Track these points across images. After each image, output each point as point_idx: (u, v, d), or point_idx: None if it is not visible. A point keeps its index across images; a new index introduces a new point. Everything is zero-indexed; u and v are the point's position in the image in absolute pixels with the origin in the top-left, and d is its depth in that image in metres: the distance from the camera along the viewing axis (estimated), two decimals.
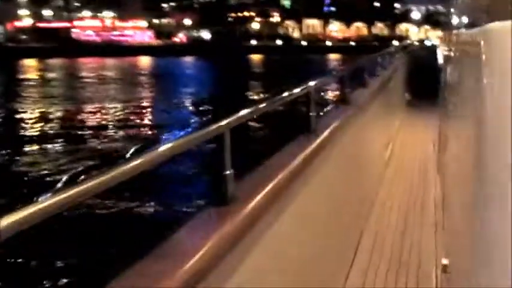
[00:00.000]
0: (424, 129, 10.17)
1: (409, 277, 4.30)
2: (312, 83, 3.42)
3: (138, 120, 24.13)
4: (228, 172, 1.92)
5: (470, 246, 1.49)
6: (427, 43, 30.46)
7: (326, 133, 3.39)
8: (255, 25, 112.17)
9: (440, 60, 9.62)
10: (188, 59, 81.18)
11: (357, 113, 4.88)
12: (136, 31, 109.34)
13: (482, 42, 1.35)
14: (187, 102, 30.27)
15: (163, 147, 1.59)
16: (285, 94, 2.96)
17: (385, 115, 8.67)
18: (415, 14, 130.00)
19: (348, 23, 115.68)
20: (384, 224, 5.42)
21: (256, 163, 2.58)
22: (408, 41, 31.46)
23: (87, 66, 66.95)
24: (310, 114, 3.36)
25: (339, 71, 5.12)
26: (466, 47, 1.75)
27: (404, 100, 13.29)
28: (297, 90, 3.15)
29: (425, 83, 13.31)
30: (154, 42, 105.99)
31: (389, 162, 7.84)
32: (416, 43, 26.74)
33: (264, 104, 2.58)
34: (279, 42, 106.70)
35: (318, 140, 3.19)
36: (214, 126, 1.89)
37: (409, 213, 5.80)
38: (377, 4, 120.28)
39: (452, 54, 3.07)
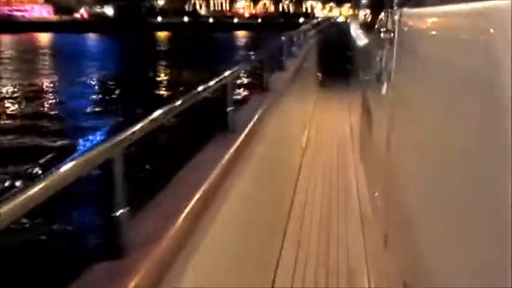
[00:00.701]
0: (339, 112, 10.00)
1: (340, 273, 4.15)
2: (228, 73, 2.77)
3: (29, 111, 20.94)
4: (120, 212, 1.41)
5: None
6: (339, 20, 31.18)
7: (246, 130, 2.90)
8: (161, 1, 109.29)
9: (357, 39, 9.29)
10: (91, 36, 77.86)
11: (277, 100, 4.54)
12: (34, 5, 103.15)
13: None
14: (89, 87, 28.15)
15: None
16: (198, 90, 2.29)
17: (302, 99, 8.36)
18: None
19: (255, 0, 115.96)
20: (307, 221, 5.19)
21: (162, 180, 2.01)
22: (320, 18, 31.39)
23: None
24: (228, 109, 2.83)
25: (258, 54, 4.46)
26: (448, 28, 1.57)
27: (318, 80, 13.04)
28: (212, 83, 2.49)
29: (338, 62, 13.29)
30: (54, 17, 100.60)
31: (307, 151, 7.52)
32: (329, 20, 26.96)
33: (166, 109, 1.84)
34: (185, 19, 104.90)
35: (239, 140, 2.68)
36: (95, 151, 1.32)
37: (332, 206, 5.59)
38: None
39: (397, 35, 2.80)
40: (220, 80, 2.64)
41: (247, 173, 2.97)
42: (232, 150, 2.49)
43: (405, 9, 2.65)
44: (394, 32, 2.96)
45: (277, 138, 4.84)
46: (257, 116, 3.30)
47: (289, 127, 6.36)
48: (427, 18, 2.02)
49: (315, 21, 15.76)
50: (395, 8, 3.05)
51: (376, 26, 4.42)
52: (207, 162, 2.26)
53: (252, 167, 3.14)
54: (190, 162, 2.26)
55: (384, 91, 3.43)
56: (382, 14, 3.75)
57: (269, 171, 4.29)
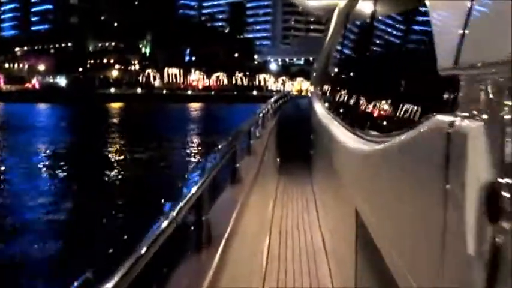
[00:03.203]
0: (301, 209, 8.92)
1: None
2: (195, 189, 2.40)
3: None
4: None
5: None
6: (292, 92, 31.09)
7: (221, 246, 2.73)
8: (115, 72, 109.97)
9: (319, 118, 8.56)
10: (42, 106, 76.97)
11: (247, 193, 4.27)
12: None
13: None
14: (35, 166, 27.05)
15: None
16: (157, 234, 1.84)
17: (264, 191, 7.14)
18: (273, 65, 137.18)
19: (208, 72, 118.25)
20: None
21: None
22: (287, 90, 31.04)
23: None
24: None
25: (229, 144, 3.98)
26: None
27: (277, 165, 11.74)
28: (176, 214, 2.05)
29: (298, 144, 12.29)
30: (4, 87, 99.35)
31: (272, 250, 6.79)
32: (295, 93, 26.18)
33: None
34: (139, 90, 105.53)
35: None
36: None
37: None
38: (236, 55, 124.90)
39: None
40: (186, 202, 2.25)
41: None
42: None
43: None
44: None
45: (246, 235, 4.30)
46: (229, 227, 3.14)
47: (253, 222, 5.35)
48: None
49: (272, 99, 13.90)
50: None
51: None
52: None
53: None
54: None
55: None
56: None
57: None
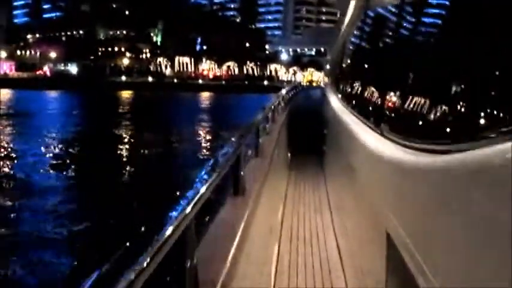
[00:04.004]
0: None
1: None
2: (189, 210, 1.92)
3: None
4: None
5: None
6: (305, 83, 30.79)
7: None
8: (126, 61, 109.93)
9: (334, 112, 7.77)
10: (53, 94, 77.09)
11: (251, 207, 3.62)
12: None
13: None
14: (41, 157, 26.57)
15: None
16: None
17: (271, 202, 6.36)
18: (284, 55, 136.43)
19: (219, 62, 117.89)
20: None
21: None
22: (298, 80, 30.49)
23: None
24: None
25: (230, 156, 3.22)
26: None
27: (288, 161, 10.94)
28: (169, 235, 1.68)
29: (310, 138, 11.62)
30: (15, 74, 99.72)
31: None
32: (306, 83, 25.51)
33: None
34: (150, 79, 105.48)
35: None
36: None
37: None
38: (248, 44, 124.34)
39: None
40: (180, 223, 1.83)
41: None
42: None
43: None
44: None
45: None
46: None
47: (259, 232, 4.74)
48: None
49: (284, 91, 12.83)
50: None
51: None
52: None
53: None
54: None
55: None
56: None
57: None
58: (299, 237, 6.94)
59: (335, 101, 9.71)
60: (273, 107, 8.29)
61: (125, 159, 25.84)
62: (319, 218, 7.73)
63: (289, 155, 11.30)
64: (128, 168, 22.84)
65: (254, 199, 3.81)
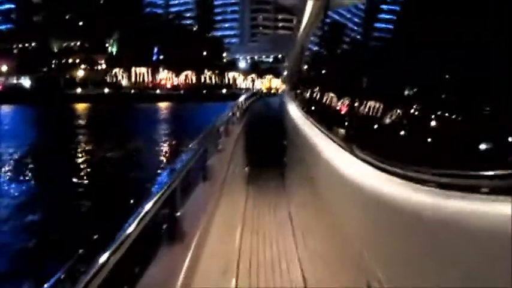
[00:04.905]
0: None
1: None
2: (131, 229, 1.84)
3: None
4: None
5: None
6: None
7: None
8: (80, 72, 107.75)
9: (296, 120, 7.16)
10: (5, 108, 74.80)
11: (194, 254, 2.82)
12: None
13: None
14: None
15: None
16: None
17: (223, 233, 5.22)
18: (242, 63, 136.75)
19: (177, 71, 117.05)
20: None
21: None
22: (258, 88, 29.86)
23: None
24: None
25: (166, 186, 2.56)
26: None
27: (245, 175, 10.16)
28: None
29: (270, 149, 11.04)
30: None
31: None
32: (265, 90, 24.96)
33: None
34: (106, 90, 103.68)
35: None
36: None
37: None
38: (205, 53, 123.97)
39: None
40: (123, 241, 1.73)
41: None
42: None
43: None
44: None
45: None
46: None
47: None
48: None
49: (241, 98, 12.06)
50: None
51: None
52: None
53: None
54: None
55: None
56: None
57: None
58: (259, 273, 6.05)
59: (294, 110, 9.43)
60: (225, 119, 7.53)
61: (79, 171, 25.39)
62: (281, 244, 6.94)
63: (246, 169, 10.55)
64: (81, 180, 22.46)
65: (197, 244, 2.92)
